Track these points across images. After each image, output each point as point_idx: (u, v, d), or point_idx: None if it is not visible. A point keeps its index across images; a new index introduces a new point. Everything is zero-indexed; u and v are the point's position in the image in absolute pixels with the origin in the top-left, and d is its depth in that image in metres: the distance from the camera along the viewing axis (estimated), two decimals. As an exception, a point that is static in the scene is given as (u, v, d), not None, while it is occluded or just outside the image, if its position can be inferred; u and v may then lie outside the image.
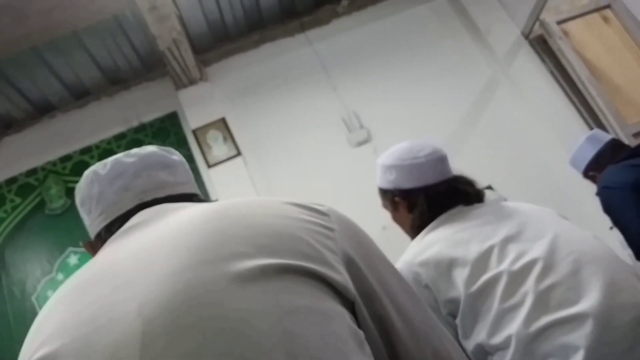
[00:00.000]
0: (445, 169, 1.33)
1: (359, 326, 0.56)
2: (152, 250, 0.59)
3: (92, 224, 0.79)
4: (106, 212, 0.77)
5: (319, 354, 0.49)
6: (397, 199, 1.35)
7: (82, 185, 0.81)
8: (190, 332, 0.49)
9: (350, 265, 0.59)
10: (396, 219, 1.40)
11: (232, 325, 0.49)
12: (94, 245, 0.78)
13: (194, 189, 0.84)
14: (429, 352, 0.64)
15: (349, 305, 0.56)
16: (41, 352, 0.55)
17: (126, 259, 0.61)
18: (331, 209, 0.65)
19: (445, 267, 1.10)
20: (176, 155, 0.85)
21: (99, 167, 0.81)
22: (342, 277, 0.56)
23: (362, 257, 0.61)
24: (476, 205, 1.27)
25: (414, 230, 1.30)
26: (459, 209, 1.26)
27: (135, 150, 0.83)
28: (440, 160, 1.32)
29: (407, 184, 1.32)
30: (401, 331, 0.61)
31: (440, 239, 1.17)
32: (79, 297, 0.59)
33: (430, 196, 1.29)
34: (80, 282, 0.62)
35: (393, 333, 0.60)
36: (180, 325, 0.50)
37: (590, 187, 2.40)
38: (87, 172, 0.82)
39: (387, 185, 1.37)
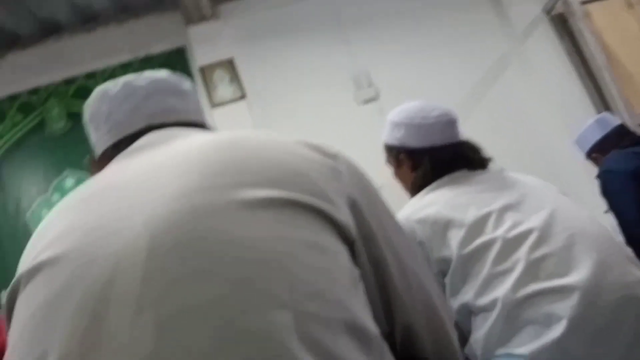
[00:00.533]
0: (453, 133, 1.32)
1: (356, 266, 0.57)
2: (160, 171, 0.59)
3: (99, 141, 0.79)
4: (114, 130, 0.77)
5: (318, 286, 0.50)
6: (401, 156, 1.35)
7: (92, 102, 0.81)
8: (194, 253, 0.50)
9: (354, 207, 0.60)
10: (398, 176, 1.41)
11: (236, 249, 0.50)
12: (99, 163, 0.78)
13: (203, 118, 0.83)
14: (419, 300, 0.65)
15: (349, 244, 0.58)
16: (44, 255, 0.56)
17: (134, 176, 0.61)
18: (340, 152, 0.66)
19: (442, 226, 1.12)
20: (187, 84, 0.84)
21: (110, 86, 0.80)
22: (344, 217, 0.58)
23: (365, 202, 0.62)
24: (479, 171, 1.28)
25: (415, 189, 1.31)
26: (462, 173, 1.26)
27: (147, 73, 0.82)
28: (450, 122, 1.32)
29: (414, 142, 1.32)
30: (396, 277, 0.63)
31: (440, 200, 1.18)
32: (85, 206, 0.60)
33: (435, 157, 1.29)
34: (86, 193, 0.63)
35: (387, 277, 0.62)
36: (186, 244, 0.50)
37: (590, 171, 2.42)
38: (97, 89, 0.81)
39: (393, 141, 1.37)
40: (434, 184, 1.26)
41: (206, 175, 0.56)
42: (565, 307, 0.96)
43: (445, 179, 1.26)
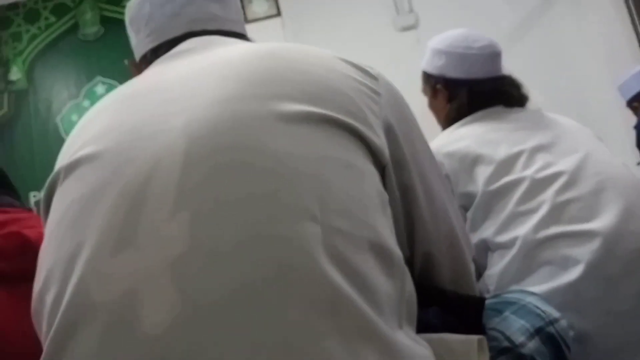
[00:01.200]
0: (496, 66, 1.27)
1: (385, 190, 0.57)
2: (201, 75, 0.59)
3: (139, 44, 0.79)
4: (154, 34, 0.76)
5: (347, 204, 0.51)
6: (439, 86, 1.31)
7: (133, 4, 0.80)
8: (231, 159, 0.51)
9: (389, 131, 0.60)
10: (432, 106, 1.37)
11: (271, 160, 0.51)
12: (139, 66, 0.78)
13: (243, 29, 0.82)
14: (444, 229, 0.66)
15: (381, 168, 0.58)
16: (84, 151, 0.57)
17: (173, 80, 0.61)
18: (381, 74, 0.65)
19: (470, 161, 1.11)
20: None
21: None
22: (379, 140, 0.57)
23: (401, 127, 0.62)
24: (516, 109, 1.24)
25: (448, 121, 1.28)
26: (499, 109, 1.23)
27: None
28: (493, 55, 1.27)
29: (454, 73, 1.27)
30: (422, 205, 0.63)
31: (471, 135, 1.16)
32: (125, 106, 0.61)
33: (474, 90, 1.25)
34: (127, 94, 0.63)
35: (414, 204, 0.63)
36: (223, 150, 0.51)
37: (628, 121, 2.34)
38: None
39: (432, 70, 1.32)
40: (468, 118, 1.23)
41: (246, 84, 0.56)
42: (584, 252, 0.96)
43: (480, 113, 1.22)
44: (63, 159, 0.60)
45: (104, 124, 0.59)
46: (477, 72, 1.25)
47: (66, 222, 0.54)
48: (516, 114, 1.22)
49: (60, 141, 0.68)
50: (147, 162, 0.52)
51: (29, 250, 0.70)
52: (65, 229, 0.54)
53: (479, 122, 1.21)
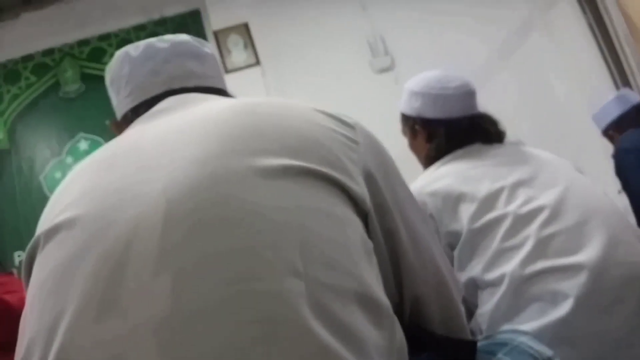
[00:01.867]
0: (471, 104, 1.30)
1: (369, 238, 0.57)
2: (179, 135, 0.60)
3: (120, 104, 0.80)
4: (134, 93, 0.77)
5: (331, 256, 0.51)
6: (417, 126, 1.34)
7: (113, 65, 0.81)
8: (212, 218, 0.51)
9: (369, 178, 0.60)
10: (413, 146, 1.39)
11: (252, 215, 0.51)
12: (120, 125, 0.79)
13: (222, 84, 0.84)
14: (430, 273, 0.66)
15: (363, 216, 0.58)
16: (63, 216, 0.57)
17: (153, 140, 0.61)
18: (358, 122, 0.65)
19: (453, 200, 1.11)
20: (208, 48, 0.84)
21: (131, 49, 0.80)
22: (360, 188, 0.58)
23: (381, 174, 0.62)
24: (495, 145, 1.26)
25: (429, 160, 1.30)
26: (477, 146, 1.25)
27: (169, 37, 0.82)
28: (468, 94, 1.30)
29: (431, 113, 1.30)
30: (408, 248, 0.63)
31: (453, 173, 1.18)
32: (104, 169, 0.61)
33: (452, 129, 1.27)
34: (106, 156, 0.63)
35: (399, 249, 0.62)
36: (203, 209, 0.51)
37: (605, 148, 2.38)
38: (119, 52, 0.82)
39: (410, 111, 1.35)
40: (448, 157, 1.25)
41: (225, 141, 0.56)
42: (572, 286, 0.96)
43: (460, 152, 1.24)
44: (43, 225, 0.60)
45: (83, 188, 0.59)
46: (453, 111, 1.28)
47: (47, 289, 0.53)
48: (495, 149, 1.24)
49: (44, 200, 0.67)
50: (127, 225, 0.52)
51: (10, 317, 0.69)
52: (46, 296, 0.53)
53: (459, 160, 1.22)
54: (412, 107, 1.33)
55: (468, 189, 1.12)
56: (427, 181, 1.19)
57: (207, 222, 0.50)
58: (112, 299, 0.48)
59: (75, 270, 0.51)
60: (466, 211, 1.09)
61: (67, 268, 0.52)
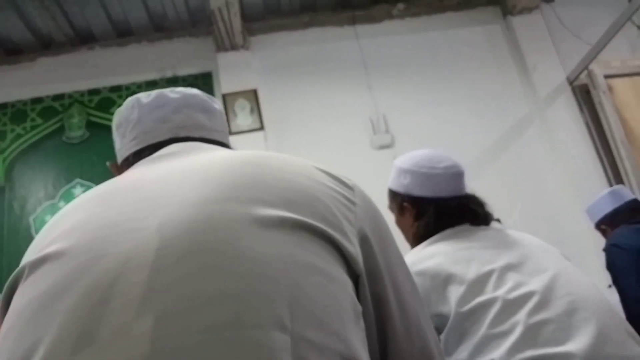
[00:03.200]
0: (460, 185, 1.31)
1: (359, 301, 0.56)
2: (180, 178, 0.60)
3: (123, 148, 0.81)
4: (140, 137, 0.78)
5: (320, 314, 0.49)
6: (405, 204, 1.33)
7: (123, 109, 0.83)
8: (203, 260, 0.50)
9: (364, 241, 0.60)
10: (400, 223, 1.38)
11: (244, 263, 0.50)
12: (120, 168, 0.80)
13: (226, 140, 0.85)
14: (418, 345, 0.64)
15: (354, 277, 0.57)
16: (52, 248, 0.56)
17: (153, 181, 0.62)
18: (357, 184, 0.66)
19: (442, 281, 1.09)
20: (217, 104, 0.87)
21: (143, 96, 0.82)
22: (354, 249, 0.57)
23: (376, 238, 0.62)
24: (483, 227, 1.26)
25: (416, 239, 1.29)
26: (466, 227, 1.24)
27: (180, 89, 0.84)
28: (457, 175, 1.30)
29: (420, 191, 1.30)
30: (396, 317, 0.62)
31: (442, 253, 1.16)
32: (101, 204, 0.60)
33: (440, 209, 1.27)
34: (104, 192, 0.63)
35: (388, 317, 0.61)
36: (195, 250, 0.50)
37: (597, 243, 2.39)
38: (130, 98, 0.84)
39: (398, 188, 1.35)
40: (436, 236, 1.23)
41: (224, 187, 0.56)
42: None
43: (448, 231, 1.23)
44: (30, 255, 0.59)
45: (76, 221, 0.58)
46: (442, 190, 1.28)
47: (24, 319, 0.51)
48: (483, 232, 1.23)
49: (30, 240, 0.66)
50: (116, 260, 0.51)
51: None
52: (23, 326, 0.51)
53: (447, 240, 1.21)
54: (400, 183, 1.34)
55: (457, 270, 1.10)
56: (415, 259, 1.16)
57: (197, 266, 0.49)
58: (92, 332, 0.47)
59: (56, 301, 0.50)
60: (454, 293, 1.06)
61: (49, 298, 0.51)
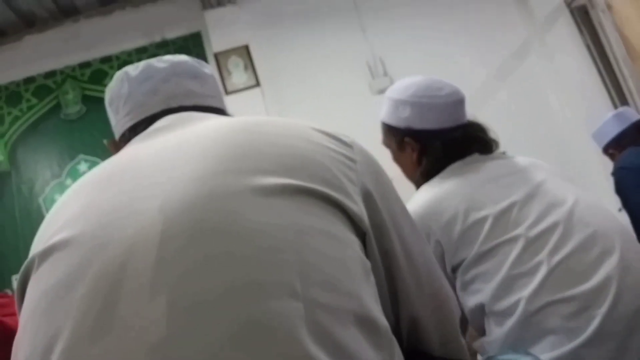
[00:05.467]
0: (462, 113, 1.21)
1: (367, 257, 0.57)
2: (177, 153, 0.59)
3: (118, 124, 0.80)
4: (132, 112, 0.77)
5: (329, 276, 0.50)
6: (407, 139, 1.21)
7: (113, 85, 0.82)
8: (209, 237, 0.50)
9: (367, 198, 0.59)
10: (399, 160, 1.27)
11: (249, 236, 0.50)
12: (118, 145, 0.79)
13: (221, 104, 0.83)
14: (428, 293, 0.65)
15: (361, 235, 0.57)
16: (58, 237, 0.56)
17: (150, 158, 0.61)
18: (355, 141, 0.65)
19: (460, 223, 1.04)
20: (207, 69, 0.84)
21: (131, 69, 0.80)
22: (358, 207, 0.57)
23: (379, 193, 0.62)
24: (491, 155, 1.19)
25: (423, 175, 1.19)
26: (475, 157, 1.17)
27: (167, 57, 0.82)
28: (459, 102, 1.21)
29: (422, 124, 1.19)
30: (404, 269, 0.62)
31: (456, 193, 1.09)
32: (101, 188, 0.60)
33: (447, 141, 1.17)
34: (102, 175, 0.63)
35: (396, 269, 0.62)
36: (200, 228, 0.50)
37: (604, 168, 2.38)
38: (119, 73, 0.82)
39: (397, 122, 1.22)
40: (446, 172, 1.16)
41: (222, 160, 0.56)
42: (585, 317, 0.92)
43: (458, 164, 1.16)
44: (37, 246, 0.59)
45: (78, 207, 0.58)
46: (446, 121, 1.18)
47: (40, 311, 0.52)
48: (495, 161, 1.17)
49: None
50: (122, 245, 0.51)
51: (9, 340, 0.68)
52: (39, 318, 0.52)
53: (460, 175, 1.13)
54: (399, 117, 1.21)
55: (475, 209, 1.04)
56: (429, 203, 1.10)
57: (204, 245, 0.49)
58: (107, 321, 0.47)
59: (69, 292, 0.51)
60: (475, 235, 1.02)
61: (61, 290, 0.52)
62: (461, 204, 1.06)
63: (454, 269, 1.07)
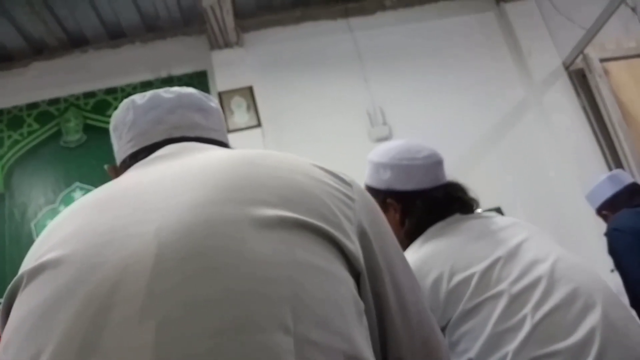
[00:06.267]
0: (441, 174, 1.25)
1: (361, 298, 0.56)
2: (177, 181, 0.60)
3: (120, 150, 0.80)
4: (135, 139, 0.78)
5: (322, 313, 0.49)
6: (389, 200, 1.25)
7: (119, 112, 0.83)
8: (203, 265, 0.49)
9: (363, 238, 0.59)
10: None
11: (244, 265, 0.49)
12: (118, 171, 0.79)
13: (224, 138, 0.84)
14: (418, 339, 0.64)
15: (355, 275, 0.57)
16: (50, 255, 0.55)
17: (150, 184, 0.61)
18: (355, 180, 0.66)
19: (446, 284, 1.05)
20: (213, 102, 0.85)
21: (138, 97, 0.81)
22: (354, 246, 0.57)
23: (375, 234, 0.62)
24: (472, 215, 1.22)
25: (408, 236, 1.21)
26: (457, 217, 1.20)
27: (175, 88, 0.83)
28: (437, 163, 1.25)
29: (403, 185, 1.23)
30: (395, 314, 0.62)
31: (441, 254, 1.10)
32: (97, 210, 0.59)
33: (429, 201, 1.21)
34: (100, 198, 0.62)
35: (387, 313, 0.61)
36: (195, 255, 0.50)
37: (598, 228, 2.39)
38: (125, 100, 0.83)
39: (378, 184, 1.26)
40: (429, 232, 1.18)
41: (222, 189, 0.56)
42: None
43: (440, 224, 1.18)
44: (28, 263, 0.58)
45: (73, 228, 0.58)
46: (425, 182, 1.23)
47: (26, 329, 0.51)
48: (476, 220, 1.19)
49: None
50: (114, 267, 0.50)
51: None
52: (24, 336, 0.51)
53: (443, 235, 1.15)
54: (380, 179, 1.26)
55: (461, 268, 1.05)
56: (414, 265, 1.06)
57: (197, 271, 0.49)
58: (94, 342, 0.46)
59: (57, 311, 0.50)
60: (461, 293, 1.03)
61: (49, 308, 0.51)
62: (446, 265, 1.07)
63: (442, 330, 1.05)
